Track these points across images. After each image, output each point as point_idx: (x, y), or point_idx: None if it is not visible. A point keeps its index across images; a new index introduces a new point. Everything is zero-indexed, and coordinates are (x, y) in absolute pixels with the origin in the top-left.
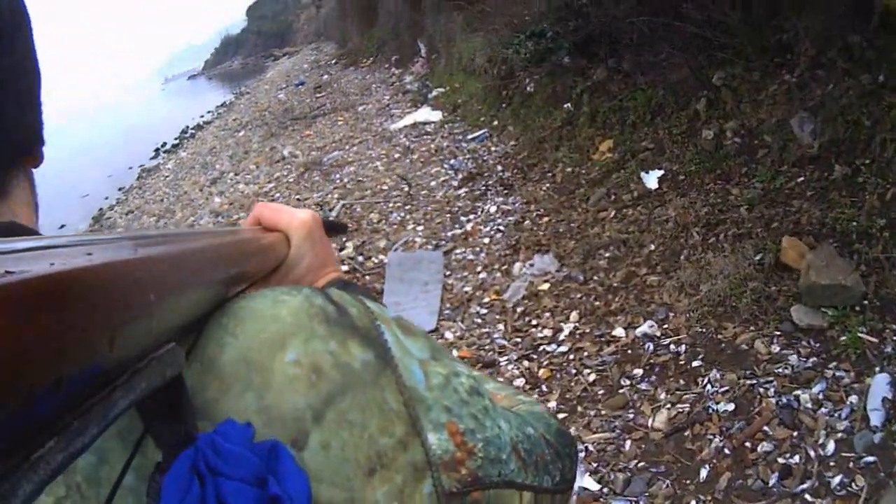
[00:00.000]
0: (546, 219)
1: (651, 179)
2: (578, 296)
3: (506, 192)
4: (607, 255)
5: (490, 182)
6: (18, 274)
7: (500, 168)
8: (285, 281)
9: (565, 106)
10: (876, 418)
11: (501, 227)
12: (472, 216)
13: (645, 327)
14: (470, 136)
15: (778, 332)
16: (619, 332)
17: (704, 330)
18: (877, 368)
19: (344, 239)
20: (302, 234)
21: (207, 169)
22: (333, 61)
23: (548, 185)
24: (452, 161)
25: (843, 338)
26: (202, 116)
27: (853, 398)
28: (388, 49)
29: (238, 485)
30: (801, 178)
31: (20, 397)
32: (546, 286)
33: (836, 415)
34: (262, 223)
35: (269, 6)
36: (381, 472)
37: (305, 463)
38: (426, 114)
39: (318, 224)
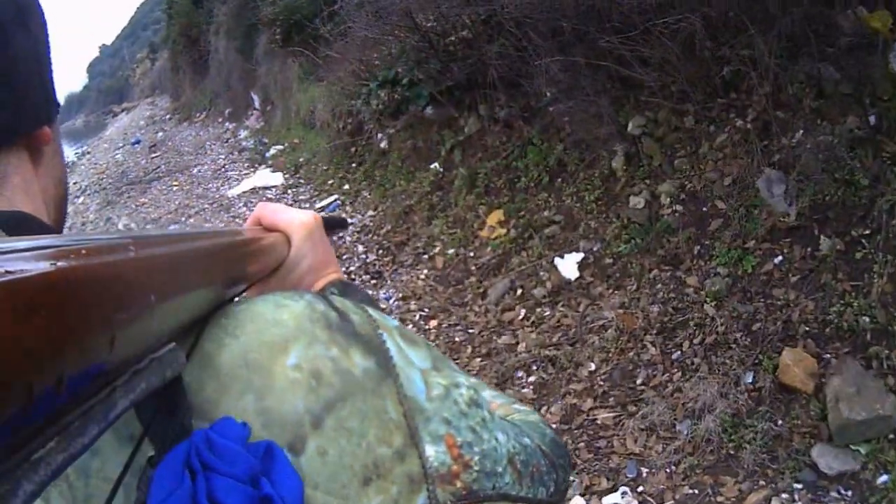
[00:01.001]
0: (434, 322)
1: (568, 265)
2: None
3: (374, 282)
4: (532, 378)
5: (353, 268)
6: (18, 273)
7: (361, 249)
8: (286, 281)
9: (432, 166)
10: None
11: None
12: None
13: (616, 497)
14: (319, 205)
15: (798, 485)
16: None
17: (697, 491)
18: None
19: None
20: (302, 235)
21: None
22: (168, 116)
23: (426, 271)
24: None
25: (882, 479)
26: None
27: None
28: (222, 102)
29: (230, 482)
30: (779, 258)
31: (20, 397)
32: None
33: None
34: (263, 224)
35: (108, 62)
36: (376, 481)
37: (302, 468)
38: (265, 177)
39: (318, 225)
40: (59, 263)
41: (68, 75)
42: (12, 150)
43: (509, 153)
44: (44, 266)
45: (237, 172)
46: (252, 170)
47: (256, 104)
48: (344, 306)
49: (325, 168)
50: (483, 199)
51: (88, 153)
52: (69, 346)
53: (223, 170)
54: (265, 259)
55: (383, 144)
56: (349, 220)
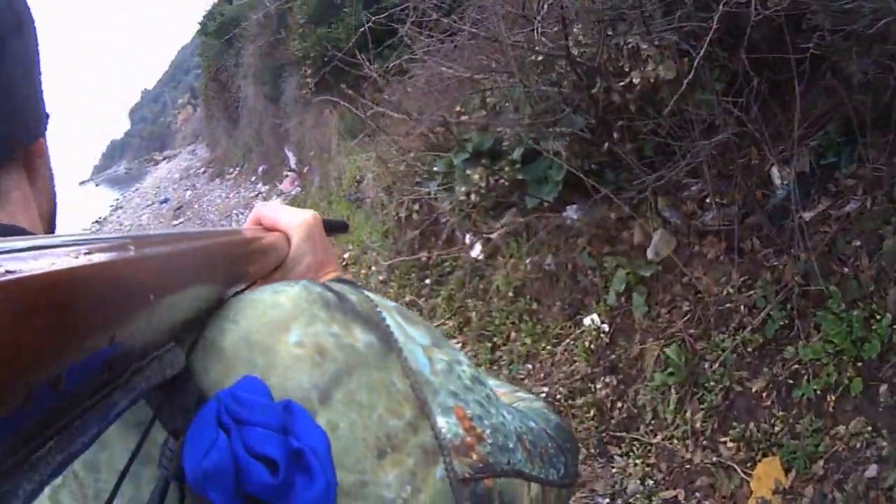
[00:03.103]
0: None
1: None
2: None
3: None
4: None
5: None
6: (18, 273)
7: None
8: (286, 280)
9: (588, 321)
10: None
11: None
12: None
13: None
14: None
15: None
16: None
17: None
18: None
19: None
20: (302, 234)
21: None
22: (202, 170)
23: None
24: None
25: None
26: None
27: None
28: (255, 157)
29: (265, 431)
30: None
31: (20, 397)
32: None
33: None
34: (263, 223)
35: (149, 107)
36: (392, 454)
37: None
38: None
39: (318, 224)
40: (59, 263)
41: (111, 120)
42: (11, 164)
43: (765, 318)
44: (44, 266)
45: None
46: None
47: (291, 163)
48: (341, 289)
49: (380, 276)
50: (726, 421)
51: (120, 208)
52: (69, 345)
53: None
54: (265, 258)
55: (477, 254)
56: None
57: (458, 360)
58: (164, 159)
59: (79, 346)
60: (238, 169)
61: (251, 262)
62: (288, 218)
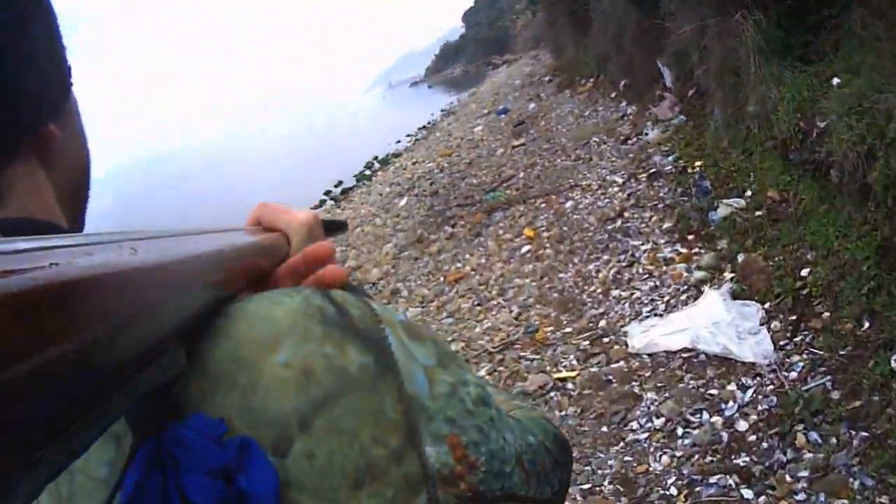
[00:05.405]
0: None
1: None
2: None
3: None
4: None
5: None
6: (18, 274)
7: None
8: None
9: None
10: None
11: None
12: None
13: None
14: None
15: None
16: None
17: None
18: None
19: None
20: (302, 235)
21: None
22: (548, 78)
23: None
24: None
25: None
26: (398, 142)
27: None
28: (613, 69)
29: (201, 478)
30: None
31: (20, 398)
32: None
33: None
34: (262, 223)
35: (485, 12)
36: (370, 484)
37: (287, 470)
38: (714, 311)
39: (318, 224)
40: (59, 263)
41: (445, 23)
42: (14, 157)
43: None
44: (44, 266)
45: (644, 242)
46: (680, 252)
47: (667, 81)
48: (344, 300)
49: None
50: None
51: (452, 114)
52: (68, 346)
53: (621, 222)
54: (265, 259)
55: None
56: None
57: (464, 380)
58: (503, 63)
59: (78, 347)
60: (591, 81)
61: (251, 263)
62: (287, 218)
